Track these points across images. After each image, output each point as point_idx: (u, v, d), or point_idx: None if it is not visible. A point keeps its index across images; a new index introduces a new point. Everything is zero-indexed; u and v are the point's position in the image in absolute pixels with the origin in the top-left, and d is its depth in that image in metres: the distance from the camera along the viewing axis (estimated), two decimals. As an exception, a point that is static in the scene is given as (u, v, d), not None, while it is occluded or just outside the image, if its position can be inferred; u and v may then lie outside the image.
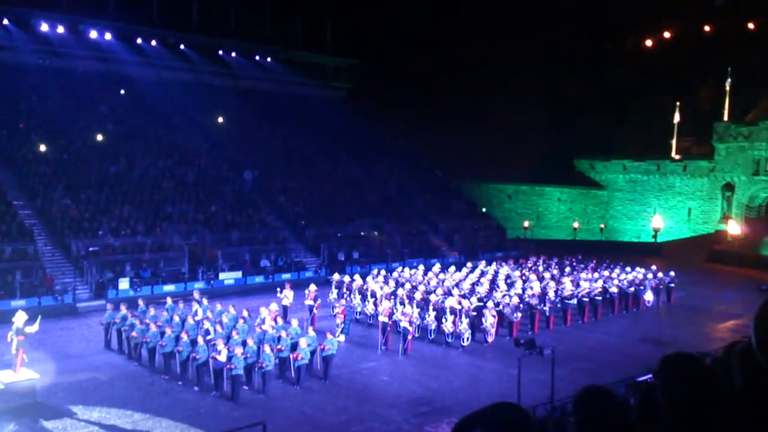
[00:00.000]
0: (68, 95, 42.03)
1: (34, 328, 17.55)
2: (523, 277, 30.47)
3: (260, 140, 47.82)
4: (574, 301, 27.22)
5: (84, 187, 34.90)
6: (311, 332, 19.55)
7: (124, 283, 29.27)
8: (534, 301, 25.60)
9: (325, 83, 58.98)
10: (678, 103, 56.69)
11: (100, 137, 39.67)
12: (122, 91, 45.65)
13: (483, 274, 31.31)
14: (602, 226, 58.98)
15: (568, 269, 34.06)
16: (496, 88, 62.19)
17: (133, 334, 20.17)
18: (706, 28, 65.97)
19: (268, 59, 54.86)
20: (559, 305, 26.68)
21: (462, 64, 62.20)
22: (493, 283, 29.23)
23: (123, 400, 17.16)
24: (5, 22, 42.50)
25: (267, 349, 17.74)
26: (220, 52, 52.32)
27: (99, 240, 31.30)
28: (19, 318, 17.43)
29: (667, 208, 57.34)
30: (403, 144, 56.06)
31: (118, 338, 21.42)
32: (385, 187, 47.88)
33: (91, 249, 30.41)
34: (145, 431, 15.27)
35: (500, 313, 24.28)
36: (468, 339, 22.82)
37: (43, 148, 36.63)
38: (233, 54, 52.90)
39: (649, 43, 69.74)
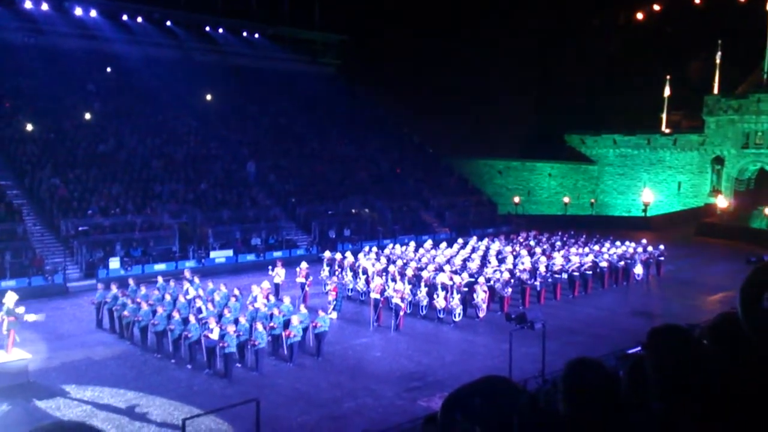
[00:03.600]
0: (54, 74, 41.46)
1: (33, 317, 17.55)
2: (514, 253, 30.57)
3: (249, 118, 47.50)
4: (565, 275, 27.38)
5: (72, 166, 34.70)
6: (303, 310, 19.61)
7: (114, 263, 29.18)
8: (525, 276, 25.72)
9: (314, 59, 58.46)
10: (668, 77, 56.57)
11: (87, 116, 39.33)
12: (108, 69, 45.05)
13: (474, 250, 31.42)
14: (593, 200, 59.11)
15: (558, 244, 34.20)
16: (487, 64, 61.90)
17: (125, 313, 20.17)
18: (696, 0, 65.77)
19: (256, 35, 54.33)
20: (549, 280, 26.80)
21: (452, 41, 61.82)
22: (485, 258, 29.35)
23: (116, 378, 17.20)
24: (-13, 0, 41.89)
25: (259, 326, 17.80)
26: (207, 29, 51.71)
27: (88, 219, 31.14)
28: (9, 298, 17.35)
29: (657, 182, 57.47)
30: (394, 121, 55.79)
31: (109, 318, 21.41)
32: (375, 165, 47.74)
33: (80, 228, 30.25)
34: (139, 409, 15.32)
35: (491, 289, 24.42)
36: (459, 314, 22.98)
37: (30, 127, 36.23)
38: (220, 30, 52.30)
39: (639, 16, 69.46)
